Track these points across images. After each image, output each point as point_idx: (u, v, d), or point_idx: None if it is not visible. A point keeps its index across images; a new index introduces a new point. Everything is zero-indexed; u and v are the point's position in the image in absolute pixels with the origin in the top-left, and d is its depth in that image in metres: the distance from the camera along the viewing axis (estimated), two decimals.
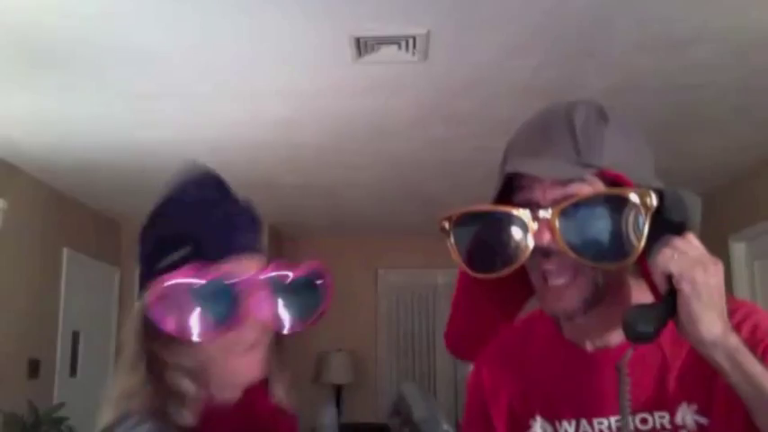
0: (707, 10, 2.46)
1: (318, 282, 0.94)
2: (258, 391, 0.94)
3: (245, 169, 4.40)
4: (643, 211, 0.81)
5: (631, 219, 0.82)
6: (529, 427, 0.96)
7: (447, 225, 0.91)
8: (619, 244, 0.83)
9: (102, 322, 5.61)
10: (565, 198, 0.85)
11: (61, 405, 4.35)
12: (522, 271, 0.90)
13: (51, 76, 3.01)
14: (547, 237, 0.84)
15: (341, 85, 3.13)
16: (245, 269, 0.87)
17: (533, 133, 0.93)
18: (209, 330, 0.84)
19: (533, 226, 0.84)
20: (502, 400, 1.02)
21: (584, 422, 0.92)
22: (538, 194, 0.87)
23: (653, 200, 0.81)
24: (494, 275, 0.89)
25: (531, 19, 2.55)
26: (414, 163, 4.29)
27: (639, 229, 0.81)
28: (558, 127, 0.90)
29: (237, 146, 3.95)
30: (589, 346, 0.95)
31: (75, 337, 5.08)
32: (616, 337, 0.91)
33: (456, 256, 0.92)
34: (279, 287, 0.90)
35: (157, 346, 0.87)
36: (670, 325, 0.79)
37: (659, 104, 3.33)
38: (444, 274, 6.42)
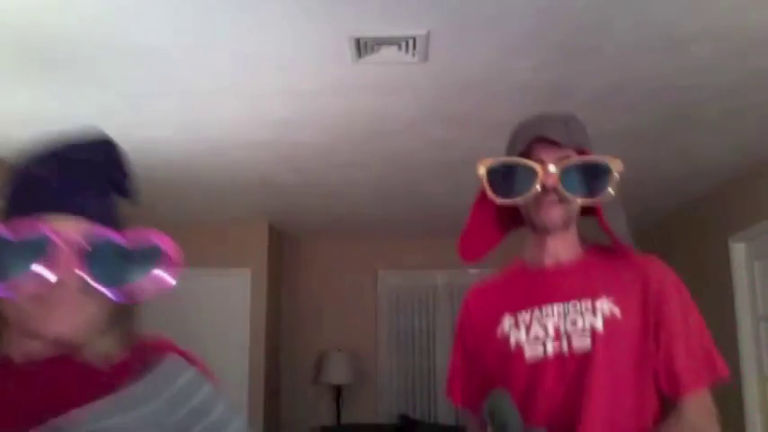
0: (706, 10, 2.46)
1: (157, 252, 0.94)
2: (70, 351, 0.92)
3: (245, 169, 4.41)
4: (613, 174, 1.36)
5: (603, 178, 1.37)
6: (500, 322, 1.45)
7: (482, 167, 1.40)
8: (592, 191, 1.38)
9: None
10: (560, 160, 1.37)
11: None
12: (514, 210, 1.46)
13: (51, 76, 3.01)
14: (552, 181, 1.36)
15: (341, 85, 3.13)
16: (59, 228, 0.86)
17: (540, 121, 1.43)
18: (7, 287, 0.84)
19: (542, 174, 1.35)
20: (480, 312, 1.53)
21: (536, 310, 1.41)
22: (543, 155, 1.38)
23: (619, 165, 1.36)
24: (509, 202, 1.40)
25: (531, 19, 2.55)
26: (413, 163, 4.30)
27: (606, 188, 1.37)
28: (555, 120, 1.42)
29: (237, 145, 3.95)
30: (548, 263, 1.46)
31: None
32: (566, 256, 1.45)
33: (487, 187, 1.40)
34: (99, 251, 0.88)
35: None
36: (598, 248, 1.49)
37: (659, 104, 3.33)
38: (444, 274, 6.43)
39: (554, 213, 1.38)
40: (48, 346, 0.90)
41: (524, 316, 1.41)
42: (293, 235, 6.48)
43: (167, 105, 3.35)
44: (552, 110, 1.48)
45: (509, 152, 1.42)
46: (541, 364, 1.37)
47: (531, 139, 1.37)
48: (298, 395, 6.39)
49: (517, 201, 1.39)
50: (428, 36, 2.65)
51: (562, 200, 1.37)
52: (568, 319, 1.37)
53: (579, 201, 1.38)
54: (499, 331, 1.43)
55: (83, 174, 0.94)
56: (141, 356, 0.96)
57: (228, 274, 5.93)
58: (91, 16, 2.51)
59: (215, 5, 2.45)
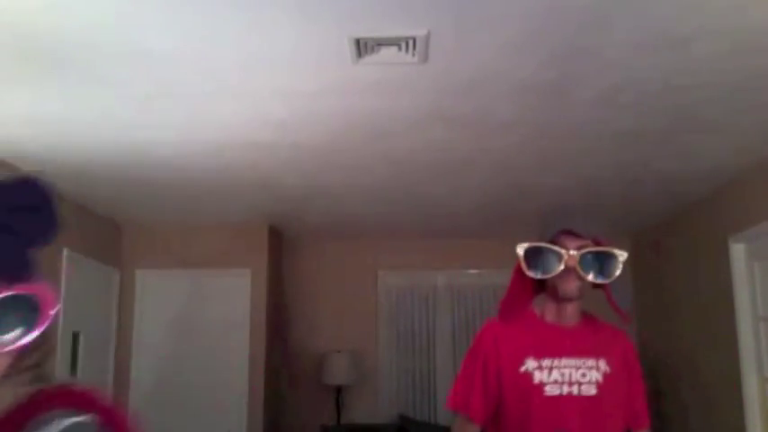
0: (706, 10, 2.47)
1: (29, 302, 0.91)
2: None
3: (245, 169, 4.41)
4: (618, 261, 1.94)
5: (611, 263, 1.95)
6: (523, 362, 1.94)
7: (521, 249, 1.94)
8: (604, 275, 1.94)
9: (102, 323, 5.61)
10: (580, 248, 1.92)
11: None
12: (540, 282, 2.00)
13: (51, 76, 3.01)
14: (573, 262, 1.89)
15: (341, 86, 3.13)
16: None
17: (566, 215, 2.08)
18: None
19: (566, 257, 1.89)
20: (506, 349, 1.99)
21: (556, 360, 1.93)
22: (567, 243, 1.93)
23: (624, 256, 1.94)
24: (541, 276, 1.94)
25: (531, 19, 2.55)
26: (414, 164, 4.30)
27: (613, 271, 1.94)
28: (580, 213, 2.08)
29: (237, 146, 3.96)
30: (565, 324, 2.01)
31: (75, 337, 5.08)
32: (574, 320, 2.03)
33: (523, 264, 1.93)
34: None
35: None
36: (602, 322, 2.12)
37: (659, 104, 3.33)
38: (444, 274, 6.43)
39: (573, 286, 1.93)
40: None
41: (547, 362, 1.92)
42: (293, 236, 6.47)
43: (168, 106, 3.35)
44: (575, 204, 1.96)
45: (540, 237, 1.96)
46: (558, 399, 1.90)
47: (560, 232, 1.94)
48: (298, 395, 6.39)
49: (546, 275, 1.92)
50: (428, 36, 2.65)
51: (579, 277, 1.90)
52: (580, 372, 1.92)
53: (591, 279, 1.91)
54: (522, 369, 1.93)
55: None
56: (28, 410, 0.95)
57: (229, 274, 5.92)
58: (92, 18, 2.51)
59: (215, 7, 2.45)
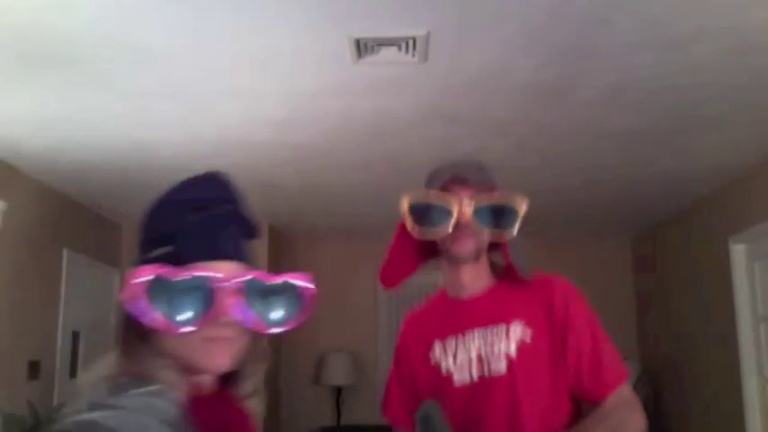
0: (707, 9, 2.46)
1: (298, 289, 1.00)
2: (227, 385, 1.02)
3: (244, 169, 4.40)
4: (518, 213, 1.54)
5: (510, 216, 1.55)
6: (431, 348, 1.61)
7: (405, 203, 1.54)
8: (500, 226, 1.54)
9: (102, 323, 5.61)
10: (474, 196, 1.53)
11: (61, 406, 4.35)
12: (432, 242, 1.59)
13: (51, 76, 3.01)
14: (466, 216, 1.51)
15: (341, 85, 3.13)
16: (220, 271, 0.93)
17: (456, 165, 1.61)
18: (179, 324, 0.91)
19: (458, 208, 1.51)
20: (417, 341, 1.66)
21: (460, 336, 1.58)
22: (459, 192, 1.54)
23: (523, 205, 1.54)
24: (428, 236, 1.55)
25: (532, 19, 2.55)
26: (413, 163, 4.29)
27: (512, 221, 1.54)
28: (469, 164, 1.62)
29: (237, 146, 3.95)
30: (464, 296, 1.62)
31: (76, 337, 5.08)
32: (479, 285, 1.62)
33: (408, 220, 1.54)
34: (253, 291, 0.95)
35: (134, 337, 0.95)
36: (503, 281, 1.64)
37: (659, 104, 3.33)
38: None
39: (467, 246, 1.54)
40: (208, 382, 0.98)
41: (451, 342, 1.58)
42: (293, 236, 6.47)
43: (168, 106, 3.35)
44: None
45: (427, 188, 1.59)
46: (468, 388, 1.54)
47: (448, 179, 1.55)
48: (298, 396, 6.39)
49: (435, 234, 1.54)
50: (428, 36, 2.65)
51: (474, 233, 1.53)
52: (487, 344, 1.55)
53: (489, 235, 1.55)
54: (432, 357, 1.61)
55: (233, 219, 1.02)
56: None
57: None
58: (92, 17, 2.51)
59: (215, 6, 2.45)
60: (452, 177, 1.55)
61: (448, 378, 1.56)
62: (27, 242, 4.44)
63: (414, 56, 2.79)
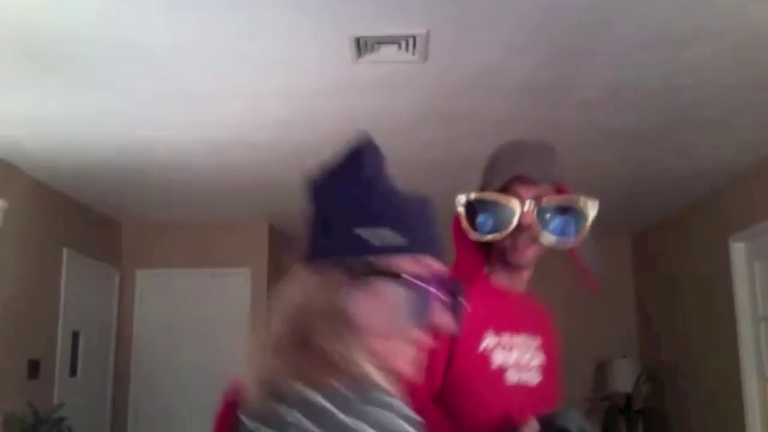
0: (706, 9, 2.46)
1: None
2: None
3: (244, 169, 4.41)
4: (588, 217, 1.42)
5: (579, 219, 1.42)
6: (483, 338, 1.41)
7: (462, 200, 1.43)
8: (567, 233, 1.42)
9: (102, 322, 5.61)
10: (538, 197, 1.39)
11: (61, 405, 4.35)
12: (485, 246, 1.47)
13: (51, 76, 3.01)
14: (528, 219, 1.37)
15: (341, 85, 3.13)
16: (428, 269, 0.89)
17: (520, 154, 1.46)
18: (403, 328, 0.88)
19: (519, 211, 1.38)
20: (465, 327, 1.38)
21: (514, 336, 1.44)
22: (522, 191, 1.40)
23: (594, 208, 1.43)
24: (489, 238, 1.42)
25: (531, 19, 2.55)
26: (414, 163, 4.29)
27: (580, 227, 1.42)
28: (535, 153, 1.47)
29: (237, 146, 3.95)
30: (515, 293, 1.50)
31: (75, 337, 5.08)
32: (521, 287, 1.51)
33: (464, 224, 1.42)
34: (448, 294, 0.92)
35: (344, 335, 0.86)
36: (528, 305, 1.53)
37: (659, 104, 3.33)
38: None
39: (529, 254, 1.43)
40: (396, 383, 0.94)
41: (506, 339, 1.44)
42: (293, 235, 6.47)
43: (167, 106, 3.35)
44: (533, 139, 1.53)
45: (486, 183, 1.45)
46: (516, 389, 1.42)
47: (512, 177, 1.40)
48: None
49: (495, 237, 1.41)
50: (428, 35, 2.65)
51: (535, 239, 1.40)
52: (528, 353, 1.47)
53: (552, 241, 1.41)
54: (482, 347, 1.42)
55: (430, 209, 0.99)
56: None
57: (229, 274, 5.92)
58: (91, 17, 2.51)
59: (215, 6, 2.45)
60: (517, 175, 1.41)
61: (498, 374, 1.41)
62: (27, 242, 4.44)
63: (414, 54, 2.79)
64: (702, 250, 5.01)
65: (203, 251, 5.93)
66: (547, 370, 1.48)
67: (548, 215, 1.40)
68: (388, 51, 2.76)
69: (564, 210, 1.42)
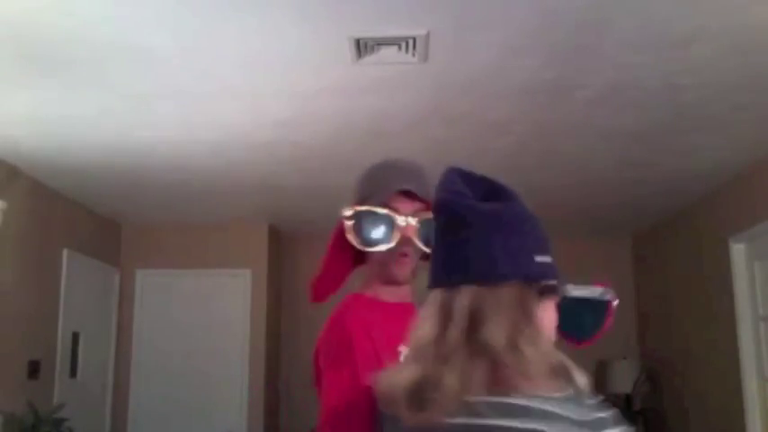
0: (706, 9, 2.46)
1: None
2: None
3: (245, 169, 4.41)
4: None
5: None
6: (399, 354, 1.36)
7: (349, 213, 1.49)
8: None
9: (102, 322, 5.61)
10: (416, 212, 1.47)
11: (61, 406, 4.35)
12: (359, 253, 1.51)
13: (51, 76, 3.01)
14: (411, 232, 1.45)
15: (341, 85, 3.13)
16: None
17: (399, 172, 1.57)
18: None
19: (403, 225, 1.45)
20: (381, 338, 1.43)
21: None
22: (401, 206, 1.48)
23: None
24: (373, 250, 1.47)
25: (531, 19, 2.55)
26: None
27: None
28: (411, 172, 1.57)
29: (237, 146, 3.95)
30: (398, 304, 1.50)
31: (75, 337, 5.08)
32: (406, 298, 1.53)
33: (351, 234, 1.48)
34: None
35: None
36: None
37: (659, 104, 3.33)
38: None
39: (407, 269, 1.49)
40: None
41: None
42: (293, 236, 6.47)
43: (167, 106, 3.35)
44: (404, 158, 1.64)
45: (364, 198, 1.52)
46: None
47: (394, 192, 1.49)
48: (298, 396, 6.38)
49: (381, 248, 1.46)
50: (428, 36, 2.65)
51: (415, 251, 1.47)
52: None
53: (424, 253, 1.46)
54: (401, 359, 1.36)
55: None
56: None
57: (229, 274, 5.92)
58: (91, 18, 2.51)
59: (215, 7, 2.45)
60: (399, 191, 1.49)
61: None
62: (27, 242, 4.44)
63: (414, 55, 2.79)
64: (702, 250, 5.01)
65: (203, 252, 5.93)
66: None
67: (428, 229, 1.42)
68: (388, 52, 2.76)
69: None
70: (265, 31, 2.63)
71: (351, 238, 1.48)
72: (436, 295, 1.03)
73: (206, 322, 5.84)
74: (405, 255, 1.47)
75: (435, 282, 1.05)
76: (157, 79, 3.04)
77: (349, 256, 1.57)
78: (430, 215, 1.40)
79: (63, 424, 4.18)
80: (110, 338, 5.75)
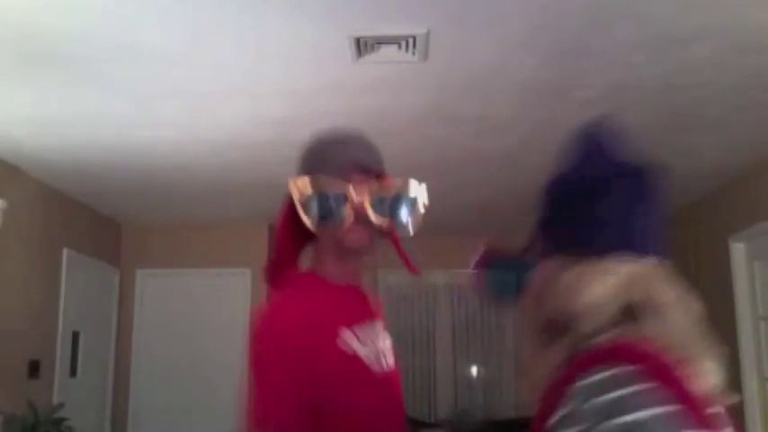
0: (706, 9, 2.46)
1: None
2: None
3: (245, 169, 4.41)
4: (420, 204, 1.43)
5: (408, 205, 1.42)
6: (338, 336, 1.34)
7: (299, 190, 1.38)
8: (404, 218, 1.41)
9: (102, 322, 5.61)
10: (371, 186, 1.37)
11: (61, 405, 4.35)
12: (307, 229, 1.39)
13: (51, 76, 3.01)
14: (364, 206, 1.34)
15: (341, 84, 3.13)
16: None
17: (350, 144, 1.48)
18: None
19: (358, 200, 1.34)
20: (313, 332, 1.34)
21: (366, 326, 1.40)
22: (355, 179, 1.36)
23: (424, 194, 1.44)
24: (328, 227, 1.36)
25: (531, 19, 2.55)
26: (413, 162, 4.29)
27: (414, 213, 1.42)
28: (363, 143, 1.49)
29: (238, 146, 3.95)
30: (352, 282, 1.46)
31: (75, 337, 5.08)
32: (354, 279, 1.47)
33: (302, 212, 1.36)
34: None
35: None
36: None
37: (659, 104, 3.33)
38: (444, 274, 6.42)
39: (364, 238, 1.38)
40: None
41: (358, 330, 1.37)
42: None
43: (168, 106, 3.35)
44: (350, 128, 1.56)
45: (312, 171, 1.40)
46: (381, 376, 1.39)
47: (346, 165, 1.38)
48: None
49: (334, 226, 1.35)
50: (428, 35, 2.65)
51: (372, 227, 1.37)
52: (381, 337, 1.44)
53: (390, 228, 1.40)
54: (340, 343, 1.33)
55: None
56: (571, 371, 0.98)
57: (228, 274, 5.92)
58: (92, 17, 2.51)
59: (215, 6, 2.45)
60: (350, 163, 1.39)
61: (365, 365, 1.35)
62: (27, 242, 4.44)
63: (414, 54, 2.79)
64: (702, 250, 5.01)
65: (203, 251, 5.93)
66: (394, 349, 1.50)
67: (384, 202, 1.38)
68: (388, 51, 2.76)
69: (398, 196, 1.41)
70: (265, 31, 2.63)
71: (302, 216, 1.36)
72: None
73: (206, 322, 5.84)
74: (360, 231, 1.36)
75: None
76: (157, 79, 3.04)
77: (301, 234, 1.43)
78: (386, 189, 1.40)
79: (63, 424, 4.18)
80: (110, 338, 5.75)
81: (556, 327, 0.96)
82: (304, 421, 1.27)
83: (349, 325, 1.36)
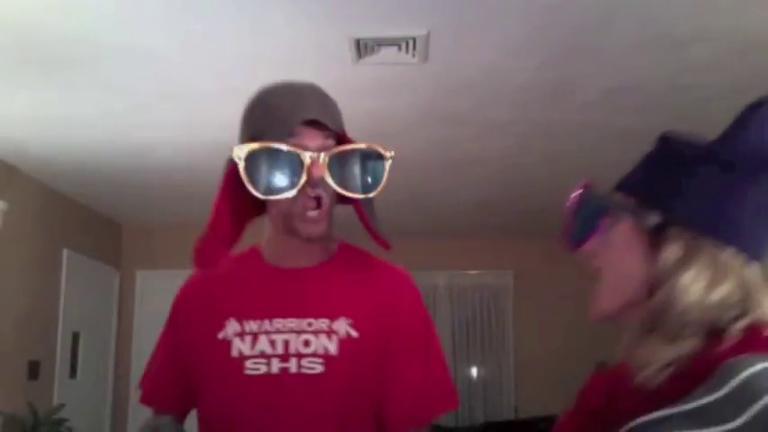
0: (707, 10, 2.47)
1: None
2: None
3: None
4: (381, 164, 1.21)
5: (376, 167, 1.22)
6: (223, 326, 1.23)
7: (243, 152, 1.16)
8: (365, 183, 1.21)
9: (102, 323, 5.61)
10: (327, 147, 1.17)
11: (61, 406, 4.35)
12: (255, 200, 1.19)
13: (51, 76, 3.01)
14: (319, 172, 1.13)
15: (341, 86, 3.12)
16: None
17: (299, 98, 1.23)
18: None
19: (310, 163, 1.13)
20: (205, 310, 1.29)
21: (267, 322, 1.21)
22: (307, 141, 1.16)
23: (390, 154, 1.21)
24: (277, 198, 1.16)
25: (532, 19, 2.55)
26: (414, 163, 4.30)
27: (378, 177, 1.22)
28: (315, 98, 1.25)
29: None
30: (286, 266, 1.26)
31: (75, 338, 5.08)
32: (309, 260, 1.27)
33: (245, 178, 1.15)
34: None
35: None
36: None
37: (659, 104, 3.33)
38: (444, 274, 6.42)
39: (320, 228, 1.20)
40: None
41: (252, 326, 1.22)
42: None
43: (168, 107, 3.35)
44: (301, 81, 1.29)
45: (258, 132, 1.21)
46: (264, 379, 1.19)
47: (296, 123, 1.17)
48: None
49: (287, 195, 1.15)
50: (428, 36, 2.65)
51: (329, 194, 1.18)
52: (301, 339, 1.20)
53: (348, 194, 1.20)
54: (221, 335, 1.23)
55: None
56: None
57: None
58: (92, 18, 2.51)
59: (215, 7, 2.45)
60: (303, 121, 1.18)
61: (238, 362, 1.20)
62: (27, 242, 4.44)
63: (414, 56, 2.79)
64: None
65: None
66: (349, 354, 1.20)
67: (342, 166, 1.18)
68: (389, 53, 2.77)
69: (357, 159, 1.22)
70: (265, 32, 2.63)
71: (247, 184, 1.15)
72: None
73: None
74: (316, 198, 1.16)
75: None
76: (158, 80, 3.05)
77: (242, 208, 1.26)
78: (343, 149, 1.19)
79: (63, 424, 4.18)
80: (110, 338, 5.75)
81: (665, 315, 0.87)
82: (169, 394, 1.32)
83: (240, 315, 1.23)
